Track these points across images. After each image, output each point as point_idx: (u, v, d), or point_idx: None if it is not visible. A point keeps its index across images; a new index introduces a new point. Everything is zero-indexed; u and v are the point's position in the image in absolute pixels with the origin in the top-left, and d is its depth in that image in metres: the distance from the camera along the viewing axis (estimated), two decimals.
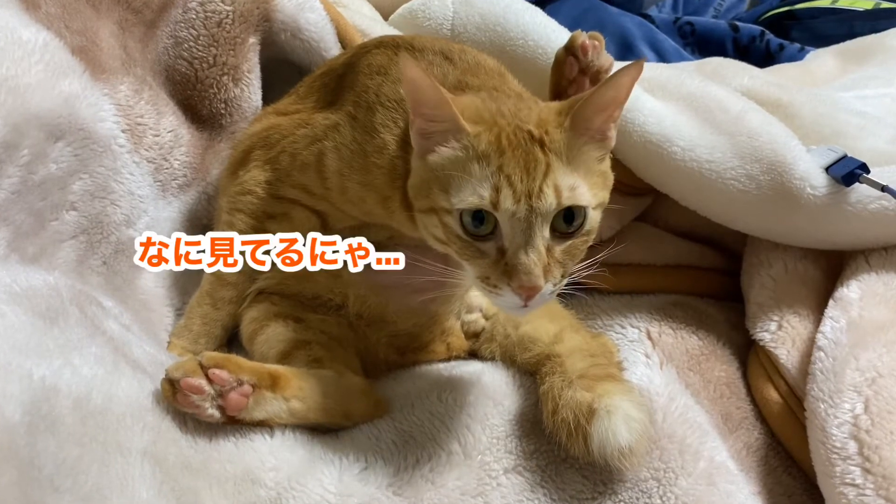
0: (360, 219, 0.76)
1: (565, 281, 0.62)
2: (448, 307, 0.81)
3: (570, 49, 0.76)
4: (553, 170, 0.59)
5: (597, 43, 0.75)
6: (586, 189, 0.61)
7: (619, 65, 0.90)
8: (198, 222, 0.94)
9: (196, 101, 0.96)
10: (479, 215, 0.60)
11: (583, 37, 0.75)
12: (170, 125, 0.91)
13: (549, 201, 0.58)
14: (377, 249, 0.76)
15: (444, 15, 0.91)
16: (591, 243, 0.64)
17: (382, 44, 0.76)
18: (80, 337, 0.65)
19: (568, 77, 0.77)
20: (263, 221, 0.79)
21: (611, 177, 0.65)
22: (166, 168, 0.91)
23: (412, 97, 0.60)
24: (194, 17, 0.92)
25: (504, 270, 0.60)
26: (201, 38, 0.93)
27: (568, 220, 0.60)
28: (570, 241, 0.61)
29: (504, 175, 0.59)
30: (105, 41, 0.87)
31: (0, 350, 0.57)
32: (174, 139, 0.92)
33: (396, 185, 0.68)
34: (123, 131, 0.85)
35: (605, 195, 0.64)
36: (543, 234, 0.59)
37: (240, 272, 0.80)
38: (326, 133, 0.73)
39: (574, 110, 0.60)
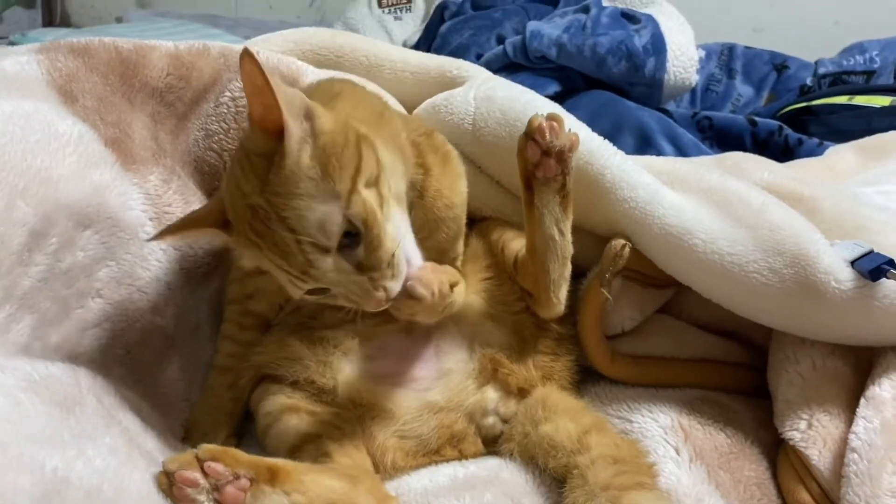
0: None
1: (398, 263, 0.67)
2: (454, 401, 0.79)
3: (528, 133, 0.76)
4: (302, 241, 0.62)
5: (554, 124, 0.75)
6: (334, 209, 0.63)
7: (631, 155, 0.92)
8: (221, 310, 0.94)
9: None
10: None
11: (539, 119, 0.75)
12: None
13: (322, 266, 0.63)
14: (333, 328, 0.81)
15: (465, 110, 0.94)
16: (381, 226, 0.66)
17: None
18: (96, 427, 0.64)
19: (532, 161, 0.76)
20: (244, 303, 0.85)
21: (346, 145, 0.65)
22: (191, 256, 0.92)
23: None
24: (225, 111, 0.95)
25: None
26: (231, 131, 0.95)
27: (347, 235, 0.64)
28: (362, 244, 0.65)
29: (273, 264, 0.65)
30: (137, 133, 0.90)
31: (14, 440, 0.57)
32: None
33: None
34: (151, 219, 0.87)
35: (351, 172, 0.64)
36: (343, 267, 0.64)
37: (231, 355, 0.85)
38: None
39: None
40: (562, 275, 0.80)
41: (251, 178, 0.63)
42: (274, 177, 0.61)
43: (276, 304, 0.87)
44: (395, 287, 0.66)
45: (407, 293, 0.68)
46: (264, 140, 0.62)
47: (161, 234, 0.71)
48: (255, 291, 0.85)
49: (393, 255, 0.66)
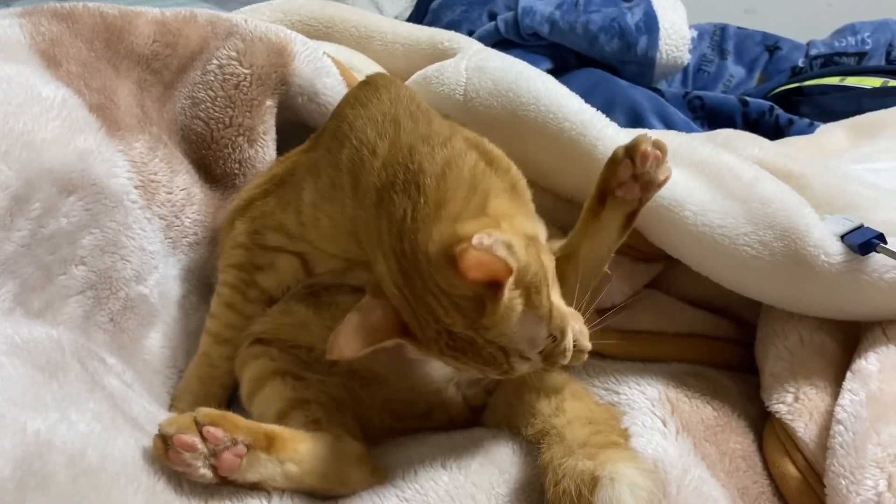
0: (340, 256, 0.76)
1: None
2: (442, 372, 0.79)
3: (629, 150, 0.72)
4: (511, 355, 0.64)
5: (658, 153, 0.71)
6: (540, 328, 0.64)
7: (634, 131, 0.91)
8: (206, 280, 0.94)
9: (210, 161, 0.97)
10: None
11: (646, 144, 0.71)
12: (183, 183, 0.92)
13: (522, 368, 0.65)
14: (359, 293, 0.75)
15: (457, 81, 0.92)
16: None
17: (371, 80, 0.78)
18: (79, 392, 0.64)
19: (620, 179, 0.73)
20: (252, 273, 0.81)
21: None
22: (177, 225, 0.91)
23: None
24: (212, 78, 0.94)
25: None
26: (218, 99, 0.94)
27: None
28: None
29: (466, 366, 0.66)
30: (123, 100, 0.89)
31: None
32: (186, 197, 0.92)
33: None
34: (136, 187, 0.86)
35: (546, 292, 0.63)
36: (536, 361, 0.66)
37: (231, 326, 0.81)
38: (308, 168, 0.75)
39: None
40: (588, 286, 0.77)
41: (454, 314, 0.61)
42: (487, 320, 0.60)
43: (285, 285, 0.82)
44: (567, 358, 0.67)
45: (575, 348, 0.68)
46: (471, 287, 0.60)
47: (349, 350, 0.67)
48: (267, 265, 0.80)
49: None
